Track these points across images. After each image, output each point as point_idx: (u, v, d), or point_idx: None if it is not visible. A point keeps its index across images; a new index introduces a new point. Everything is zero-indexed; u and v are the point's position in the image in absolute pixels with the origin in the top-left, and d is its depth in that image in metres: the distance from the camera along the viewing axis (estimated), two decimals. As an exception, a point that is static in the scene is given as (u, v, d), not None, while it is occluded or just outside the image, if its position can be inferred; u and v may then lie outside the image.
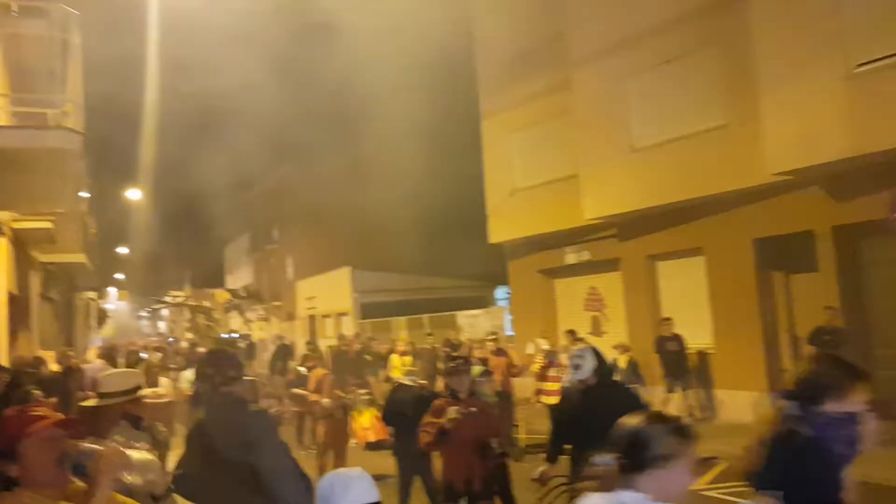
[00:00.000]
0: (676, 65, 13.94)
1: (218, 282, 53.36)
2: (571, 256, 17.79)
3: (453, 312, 24.63)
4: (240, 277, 50.78)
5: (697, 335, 13.83)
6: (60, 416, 2.66)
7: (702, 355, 14.19)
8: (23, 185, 7.71)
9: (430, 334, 17.42)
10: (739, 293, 13.42)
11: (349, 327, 30.34)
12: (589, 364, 5.62)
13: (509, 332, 20.99)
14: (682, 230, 14.51)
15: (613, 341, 14.95)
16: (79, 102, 7.59)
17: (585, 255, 17.43)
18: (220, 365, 3.99)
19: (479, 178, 20.29)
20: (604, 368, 5.78)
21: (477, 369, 7.60)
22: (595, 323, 17.65)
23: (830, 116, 10.85)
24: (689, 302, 14.58)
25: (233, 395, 3.92)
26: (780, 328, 13.37)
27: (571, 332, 14.94)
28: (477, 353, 13.73)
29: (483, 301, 28.83)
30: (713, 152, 13.13)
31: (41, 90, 7.81)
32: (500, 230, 19.39)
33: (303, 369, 12.57)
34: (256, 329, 34.51)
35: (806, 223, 12.25)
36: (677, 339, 13.60)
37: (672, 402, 13.33)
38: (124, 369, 6.53)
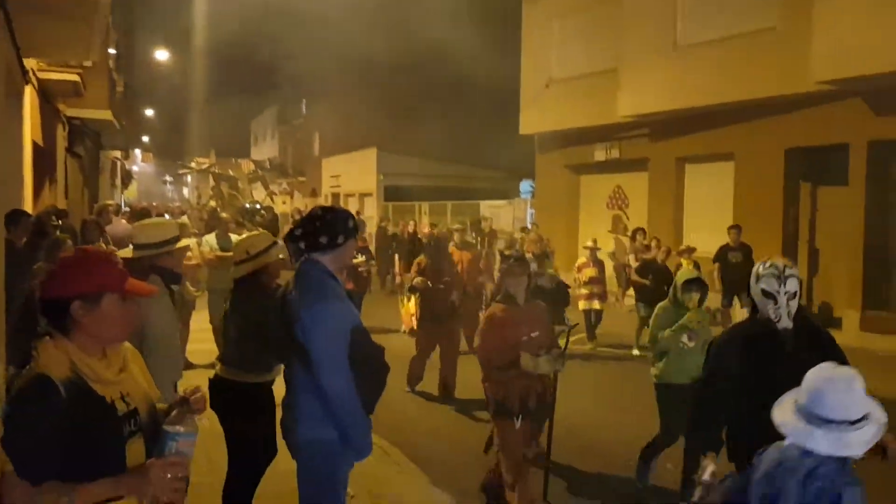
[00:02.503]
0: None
1: (243, 152, 53.45)
2: (600, 154, 17.54)
3: (477, 202, 24.60)
4: (265, 149, 50.81)
5: (718, 241, 13.73)
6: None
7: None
8: (49, 31, 7.57)
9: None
10: (765, 202, 13.25)
11: (372, 208, 30.49)
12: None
13: (530, 226, 21.00)
14: (715, 134, 14.20)
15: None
16: (109, -51, 7.33)
17: (614, 154, 17.18)
18: (313, 227, 3.42)
19: (517, 68, 19.81)
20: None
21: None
22: (616, 222, 17.61)
23: (888, 26, 10.34)
24: (713, 207, 14.44)
25: (318, 266, 3.38)
26: (801, 240, 13.27)
27: (641, 231, 13.55)
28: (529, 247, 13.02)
29: (507, 193, 28.73)
30: (758, 55, 12.66)
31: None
32: (533, 121, 19.07)
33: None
34: (279, 203, 34.75)
35: (842, 136, 11.92)
36: (743, 248, 12.12)
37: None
38: (160, 219, 6.42)
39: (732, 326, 3.63)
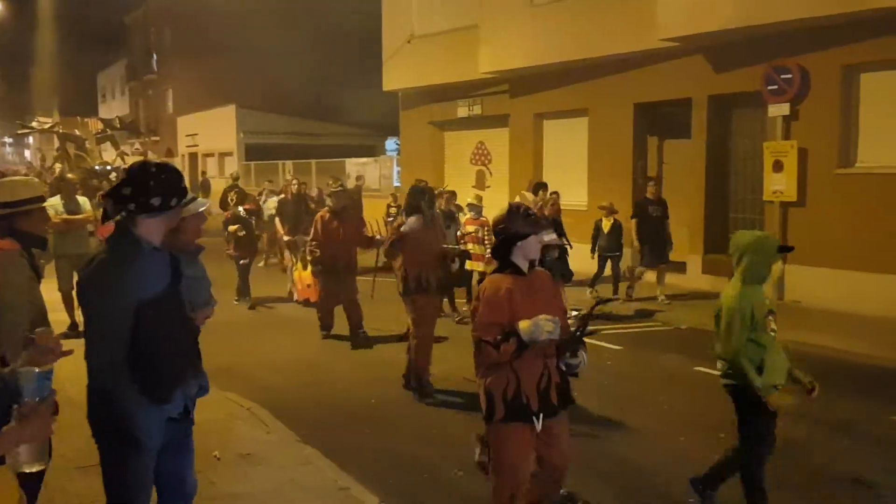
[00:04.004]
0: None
1: (91, 110, 50.17)
2: (463, 110, 17.77)
3: (342, 159, 24.36)
4: (114, 107, 47.88)
5: (574, 194, 14.28)
6: None
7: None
8: None
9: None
10: (616, 155, 13.90)
11: (233, 168, 29.54)
12: None
13: (397, 183, 21.07)
14: (571, 90, 14.69)
15: (496, 196, 15.26)
16: None
17: (477, 110, 17.45)
18: (145, 187, 3.01)
19: (379, 22, 19.61)
20: None
21: None
22: (479, 177, 17.96)
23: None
24: (570, 162, 15.00)
25: (129, 228, 3.00)
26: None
27: (544, 185, 12.15)
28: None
29: (372, 150, 28.59)
30: (608, 14, 13.16)
31: None
32: (396, 78, 19.02)
33: (241, 210, 11.98)
34: (132, 163, 33.05)
35: (685, 91, 12.64)
36: (662, 204, 11.60)
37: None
38: (21, 177, 5.92)
39: None
